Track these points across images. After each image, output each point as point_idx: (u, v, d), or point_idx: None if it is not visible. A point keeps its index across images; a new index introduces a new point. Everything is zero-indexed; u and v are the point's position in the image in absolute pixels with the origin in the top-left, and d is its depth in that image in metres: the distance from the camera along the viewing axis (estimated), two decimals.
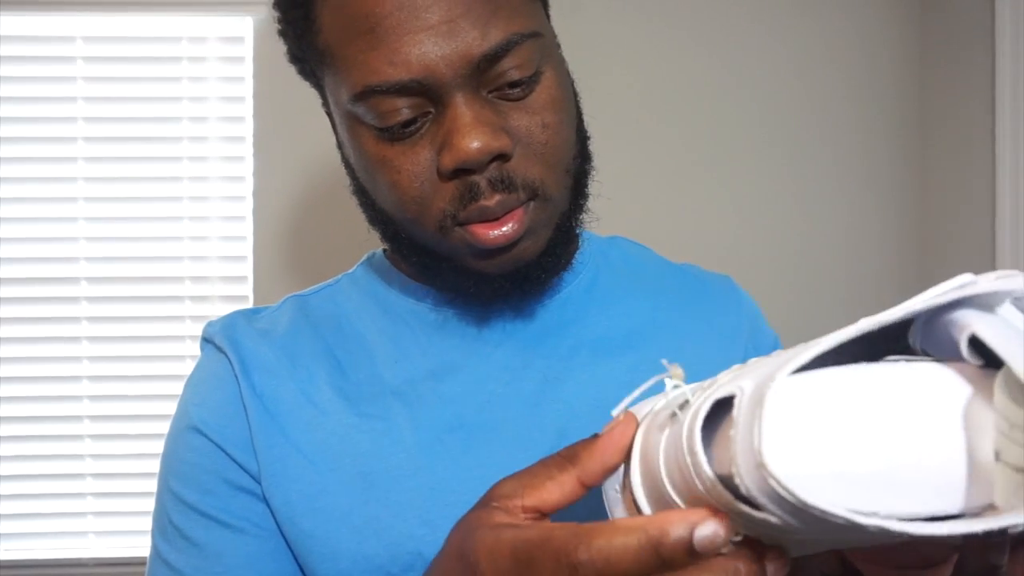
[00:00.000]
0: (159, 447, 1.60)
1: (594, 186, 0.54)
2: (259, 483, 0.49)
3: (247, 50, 1.44)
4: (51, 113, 1.45)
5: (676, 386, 0.30)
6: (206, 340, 0.55)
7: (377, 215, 0.51)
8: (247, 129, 1.44)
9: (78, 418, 1.46)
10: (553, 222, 0.50)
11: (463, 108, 0.44)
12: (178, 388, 1.49)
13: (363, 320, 0.55)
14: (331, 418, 0.50)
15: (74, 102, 1.45)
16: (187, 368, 1.44)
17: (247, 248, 1.46)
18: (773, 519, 0.23)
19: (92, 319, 1.46)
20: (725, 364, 0.56)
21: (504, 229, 0.46)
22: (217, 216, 1.46)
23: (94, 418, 1.46)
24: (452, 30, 0.42)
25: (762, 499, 0.22)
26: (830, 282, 1.50)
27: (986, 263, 1.34)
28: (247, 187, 1.45)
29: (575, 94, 0.52)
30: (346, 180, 0.54)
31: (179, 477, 0.51)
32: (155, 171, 1.46)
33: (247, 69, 1.44)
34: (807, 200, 1.50)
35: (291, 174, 1.44)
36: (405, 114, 0.44)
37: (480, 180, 0.45)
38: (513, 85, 0.45)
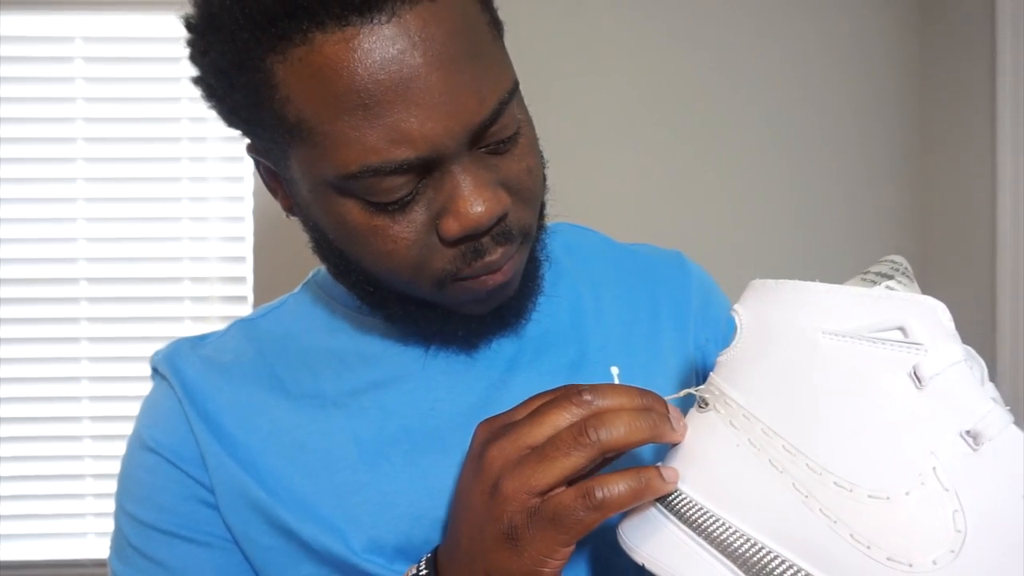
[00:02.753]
0: None
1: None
2: (214, 496, 0.49)
3: None
4: (51, 113, 1.45)
5: None
6: (153, 369, 0.55)
7: (356, 273, 0.48)
8: None
9: (78, 419, 1.46)
10: (527, 253, 0.50)
11: (463, 175, 0.42)
12: None
13: (308, 338, 0.54)
14: (274, 440, 0.50)
15: (74, 102, 1.45)
16: None
17: (247, 248, 1.46)
18: None
19: (92, 319, 1.46)
20: (673, 343, 0.57)
21: (504, 280, 0.46)
22: (217, 217, 1.46)
23: (94, 419, 1.46)
24: (452, 102, 0.40)
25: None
26: (830, 282, 1.50)
27: (986, 263, 1.34)
28: (247, 187, 1.44)
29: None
30: None
31: (135, 499, 0.50)
32: (155, 171, 1.46)
33: None
34: (807, 200, 1.50)
35: None
36: (405, 190, 0.41)
37: (484, 240, 0.44)
38: (501, 142, 0.44)
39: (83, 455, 1.46)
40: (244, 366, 0.53)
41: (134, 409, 1.54)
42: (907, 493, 0.30)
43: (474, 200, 0.41)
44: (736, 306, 0.39)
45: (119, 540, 0.51)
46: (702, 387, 0.39)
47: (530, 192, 0.46)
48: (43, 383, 1.46)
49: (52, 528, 1.47)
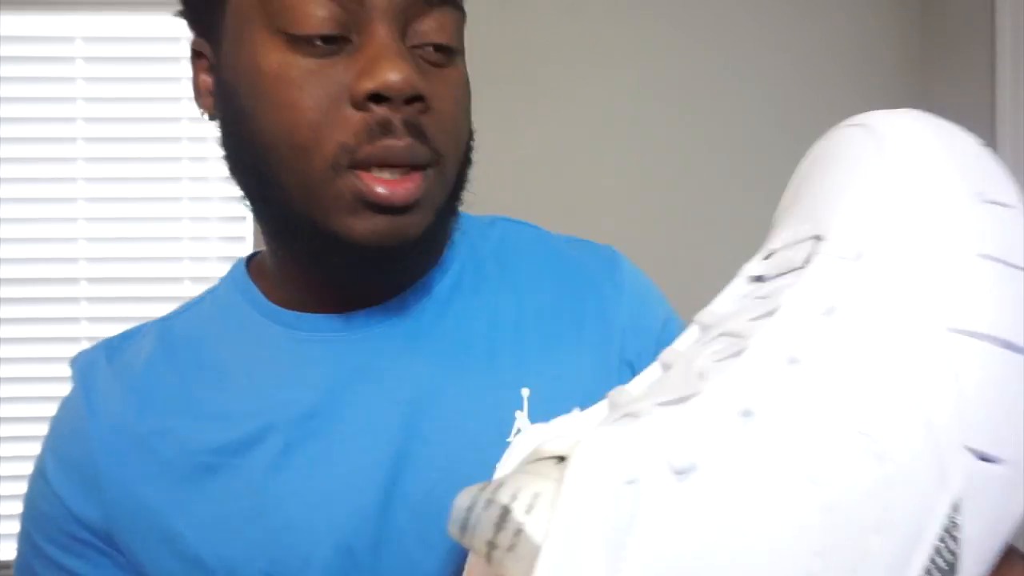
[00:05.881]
0: None
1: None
2: (105, 534, 0.48)
3: None
4: (51, 113, 1.45)
5: (518, 431, 0.31)
6: (72, 373, 0.52)
7: (251, 159, 0.46)
8: None
9: None
10: (436, 204, 0.46)
11: (389, 40, 0.41)
12: None
13: (222, 347, 0.51)
14: (179, 463, 0.48)
15: (74, 102, 1.45)
16: None
17: (247, 248, 1.46)
18: None
19: (92, 319, 1.46)
20: (595, 361, 0.52)
21: (400, 190, 0.42)
22: (217, 217, 1.47)
23: None
24: None
25: None
26: None
27: None
28: None
29: None
30: None
31: (30, 516, 0.50)
32: (155, 171, 1.46)
33: None
34: None
35: None
36: (324, 24, 0.41)
37: (394, 118, 0.42)
38: (433, 48, 0.44)
39: None
40: (154, 381, 0.50)
41: None
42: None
43: (394, 61, 0.41)
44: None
45: (19, 547, 0.51)
46: None
47: (452, 120, 0.45)
48: (43, 383, 1.46)
49: None
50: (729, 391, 0.24)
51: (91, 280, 1.46)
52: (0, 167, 1.44)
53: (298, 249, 0.47)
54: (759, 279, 0.29)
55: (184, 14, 0.50)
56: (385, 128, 0.41)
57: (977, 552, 0.24)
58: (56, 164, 1.45)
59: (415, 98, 0.42)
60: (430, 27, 0.43)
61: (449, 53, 0.45)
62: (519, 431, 0.41)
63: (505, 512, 0.21)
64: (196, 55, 0.50)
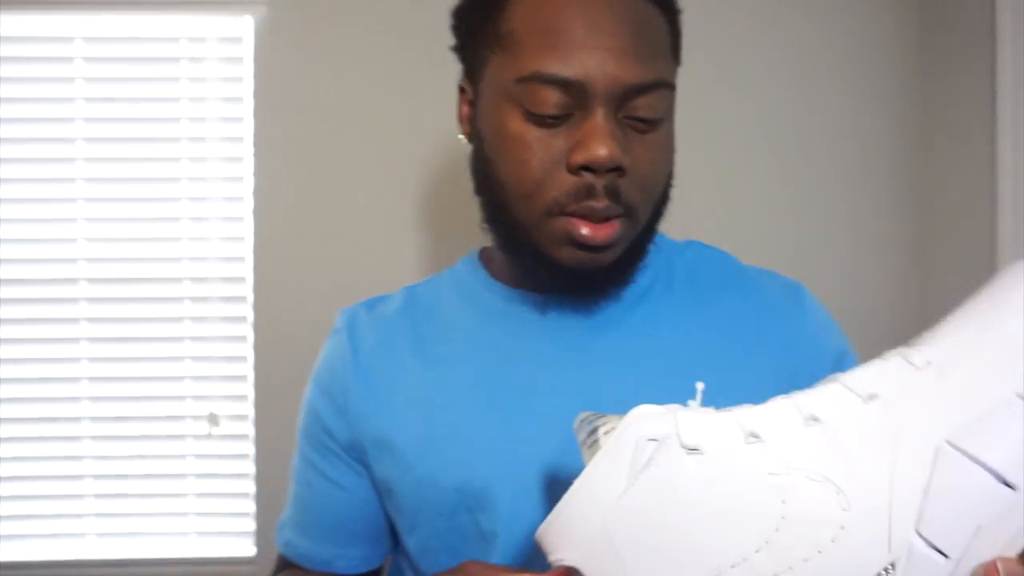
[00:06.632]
0: (159, 447, 1.59)
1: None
2: (348, 444, 0.64)
3: (246, 50, 1.44)
4: (50, 113, 1.44)
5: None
6: (337, 322, 0.68)
7: (490, 187, 0.58)
8: (246, 129, 1.44)
9: (78, 419, 1.46)
10: (627, 241, 0.57)
11: (602, 120, 0.52)
12: (179, 388, 1.50)
13: (451, 309, 0.66)
14: (406, 391, 0.62)
15: (73, 102, 1.44)
16: (187, 368, 1.45)
17: (246, 249, 1.46)
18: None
19: (91, 320, 1.46)
20: (771, 376, 0.60)
21: (600, 234, 0.54)
22: (216, 217, 1.46)
23: (94, 419, 1.46)
24: (619, 57, 0.52)
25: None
26: (829, 284, 1.50)
27: (986, 264, 1.34)
28: (246, 187, 1.44)
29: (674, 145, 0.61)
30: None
31: (301, 428, 0.68)
32: (154, 171, 1.45)
33: (246, 69, 1.44)
34: (806, 201, 1.50)
35: (290, 174, 1.44)
36: (555, 108, 0.52)
37: (597, 183, 0.53)
38: (641, 120, 0.54)
39: (83, 455, 1.46)
40: (399, 329, 0.65)
41: (134, 409, 1.54)
42: None
43: (603, 140, 0.51)
44: None
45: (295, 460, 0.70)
46: None
47: (646, 179, 0.56)
48: (43, 383, 1.46)
49: (52, 528, 1.47)
50: (748, 417, 0.35)
51: (91, 280, 1.46)
52: (0, 167, 1.44)
53: (518, 259, 0.61)
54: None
55: (458, 55, 0.62)
56: (589, 192, 0.53)
57: None
58: (56, 164, 1.45)
59: (615, 168, 0.53)
60: (641, 104, 0.54)
61: (654, 123, 0.55)
62: None
63: (594, 429, 0.38)
64: (462, 89, 0.63)
